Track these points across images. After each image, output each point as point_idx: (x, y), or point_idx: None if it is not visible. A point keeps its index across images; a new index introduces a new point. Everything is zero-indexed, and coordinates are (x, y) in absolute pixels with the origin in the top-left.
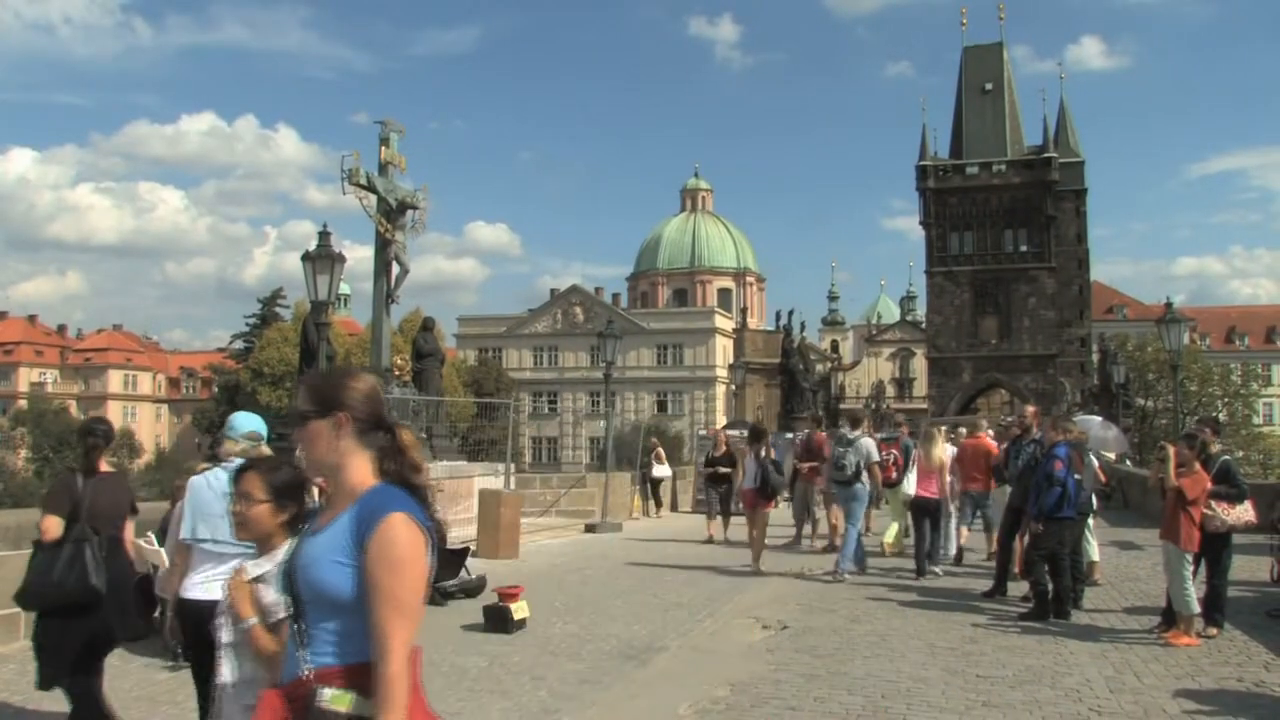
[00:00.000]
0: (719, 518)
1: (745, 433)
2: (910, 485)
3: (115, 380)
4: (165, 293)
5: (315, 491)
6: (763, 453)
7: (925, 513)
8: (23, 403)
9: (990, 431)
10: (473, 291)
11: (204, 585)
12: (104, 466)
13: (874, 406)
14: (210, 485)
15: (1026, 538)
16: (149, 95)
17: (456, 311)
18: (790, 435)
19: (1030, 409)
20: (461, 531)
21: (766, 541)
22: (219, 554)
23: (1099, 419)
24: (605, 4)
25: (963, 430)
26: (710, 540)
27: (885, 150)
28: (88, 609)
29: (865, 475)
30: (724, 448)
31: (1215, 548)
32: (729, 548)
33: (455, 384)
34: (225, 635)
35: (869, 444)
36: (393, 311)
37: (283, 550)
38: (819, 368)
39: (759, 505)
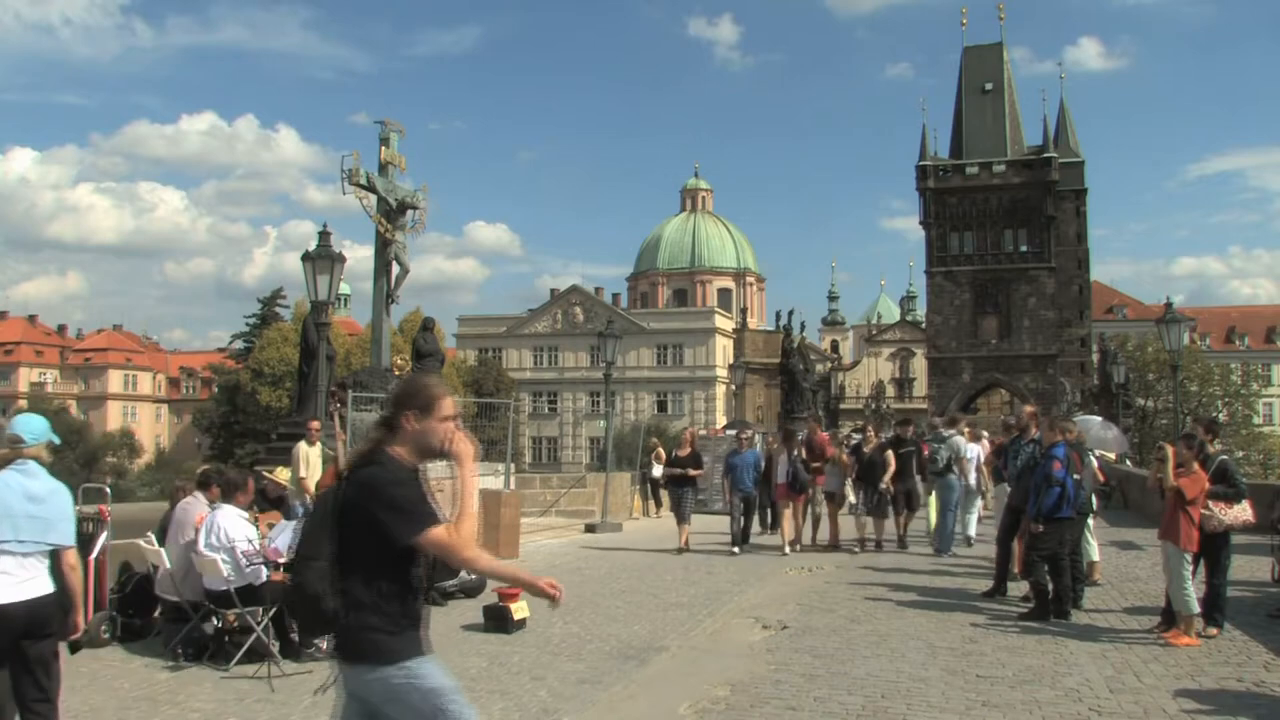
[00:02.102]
0: (682, 522)
1: (741, 432)
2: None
3: (115, 380)
4: (165, 293)
5: (307, 498)
6: (794, 452)
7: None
8: (23, 403)
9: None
10: (473, 291)
11: (14, 587)
12: None
13: (874, 406)
14: (9, 486)
15: (1026, 537)
16: (149, 95)
17: (456, 311)
18: None
19: (1028, 409)
20: None
21: (764, 542)
22: (23, 553)
23: (1099, 419)
24: (605, 4)
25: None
26: (681, 550)
27: (885, 150)
28: None
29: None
30: (689, 447)
31: (1215, 548)
32: (727, 549)
33: (455, 384)
34: None
35: (959, 441)
36: (393, 311)
37: None
38: (819, 368)
39: (791, 498)
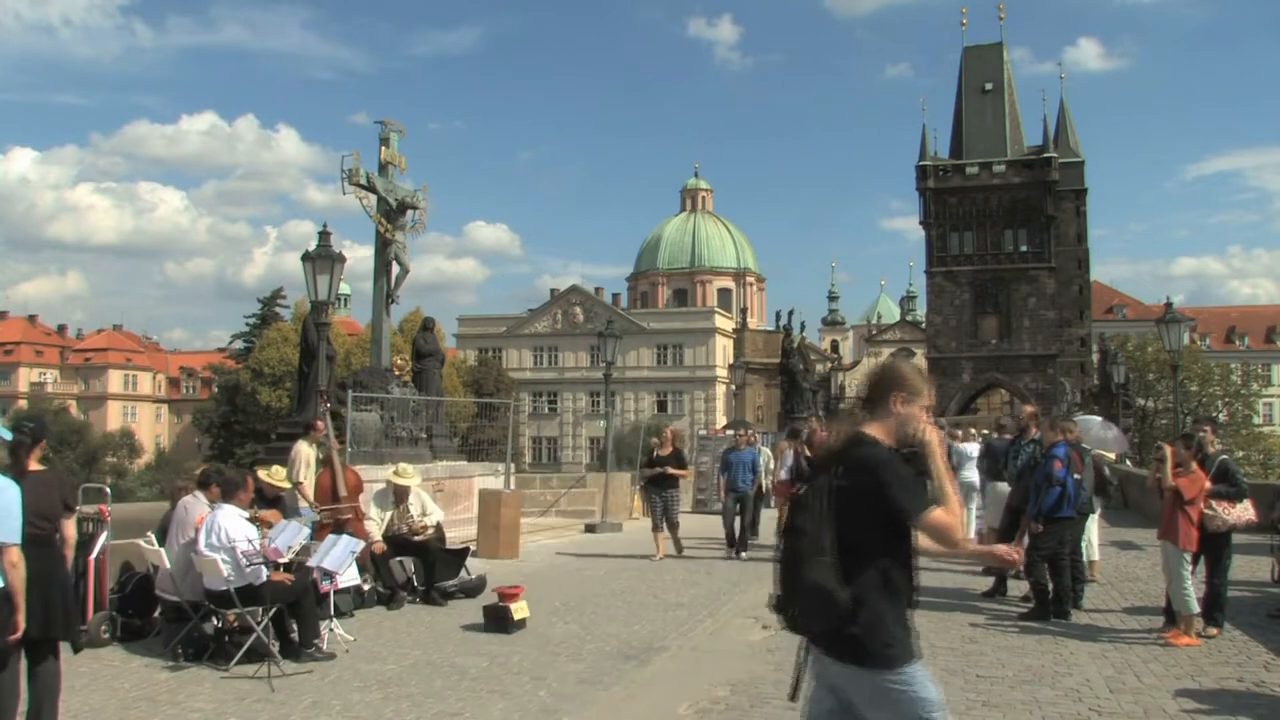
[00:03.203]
0: (664, 530)
1: (738, 429)
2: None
3: (115, 380)
4: (165, 293)
5: (310, 497)
6: (799, 448)
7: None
8: (23, 403)
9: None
10: (473, 291)
11: None
12: (34, 465)
13: None
14: None
15: (1026, 538)
16: (149, 95)
17: (456, 311)
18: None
19: (1027, 409)
20: (461, 531)
21: (762, 543)
22: None
23: (1099, 419)
24: (605, 5)
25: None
26: (657, 558)
27: (885, 150)
28: None
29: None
30: (670, 446)
31: (1216, 547)
32: (722, 555)
33: (455, 384)
34: None
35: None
36: (393, 311)
37: None
38: (819, 368)
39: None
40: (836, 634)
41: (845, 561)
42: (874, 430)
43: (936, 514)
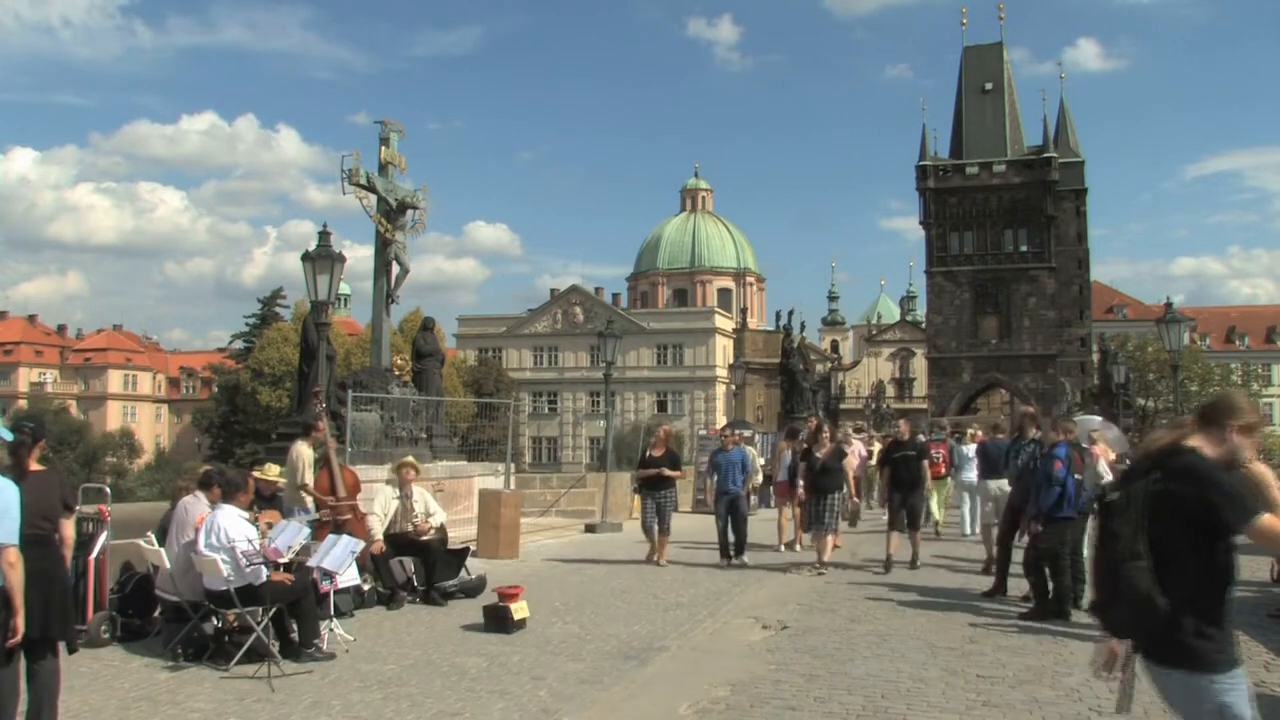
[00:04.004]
0: (661, 533)
1: (725, 430)
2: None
3: (115, 380)
4: (165, 293)
5: (309, 500)
6: (796, 449)
7: None
8: (23, 403)
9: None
10: (473, 291)
11: None
12: (33, 465)
13: (874, 406)
14: None
15: (1025, 537)
16: (149, 95)
17: (456, 311)
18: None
19: (1026, 409)
20: (461, 531)
21: (758, 541)
22: None
23: (1099, 419)
24: (605, 5)
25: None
26: (655, 562)
27: (885, 150)
28: None
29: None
30: (663, 447)
31: None
32: (716, 561)
33: (455, 384)
34: None
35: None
36: (393, 311)
37: None
38: (819, 368)
39: (790, 494)
40: (1159, 638)
41: (1161, 566)
42: (1196, 442)
43: (1266, 519)
